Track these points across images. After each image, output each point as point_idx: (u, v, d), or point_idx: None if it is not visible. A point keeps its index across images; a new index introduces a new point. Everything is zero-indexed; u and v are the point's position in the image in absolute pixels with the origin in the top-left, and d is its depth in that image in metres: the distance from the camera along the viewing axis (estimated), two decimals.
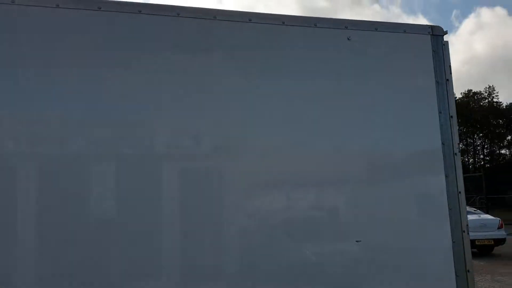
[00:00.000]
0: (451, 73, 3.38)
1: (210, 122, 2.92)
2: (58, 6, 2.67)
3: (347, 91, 3.22)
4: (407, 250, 3.19)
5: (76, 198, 2.68)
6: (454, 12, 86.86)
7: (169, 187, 2.85)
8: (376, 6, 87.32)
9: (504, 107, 54.11)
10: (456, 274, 3.19)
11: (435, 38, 3.39)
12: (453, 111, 3.35)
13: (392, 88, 3.29)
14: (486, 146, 54.37)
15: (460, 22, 79.76)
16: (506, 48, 77.04)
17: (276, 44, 3.15)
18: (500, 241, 13.54)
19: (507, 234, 14.31)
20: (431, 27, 3.41)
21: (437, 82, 3.35)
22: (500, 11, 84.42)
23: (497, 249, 13.70)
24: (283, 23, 3.11)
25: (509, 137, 54.90)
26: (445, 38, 3.42)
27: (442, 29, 3.41)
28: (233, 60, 3.05)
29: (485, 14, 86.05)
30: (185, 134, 2.91)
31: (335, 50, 3.23)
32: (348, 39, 3.21)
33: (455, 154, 3.31)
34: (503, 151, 55.37)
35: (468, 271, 3.22)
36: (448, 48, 3.41)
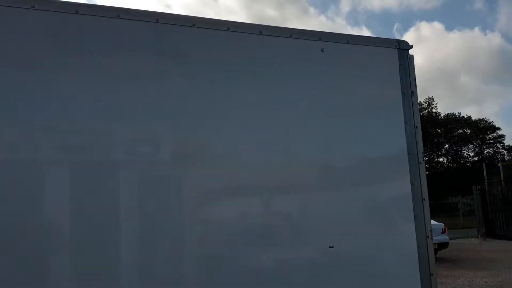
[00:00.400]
0: (416, 85, 3.53)
1: (169, 129, 2.89)
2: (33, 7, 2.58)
3: (318, 100, 3.29)
4: (374, 255, 3.28)
5: (29, 204, 2.57)
6: (396, 25, 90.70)
7: (125, 194, 2.79)
8: (323, 18, 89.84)
9: (442, 117, 57.02)
10: (421, 278, 3.32)
11: (402, 51, 3.55)
12: (417, 121, 3.50)
13: (362, 99, 3.40)
14: (425, 154, 56.90)
15: (401, 35, 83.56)
16: (444, 61, 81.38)
17: (252, 53, 3.18)
18: (443, 245, 14.17)
19: (449, 239, 15.05)
20: (398, 41, 3.56)
21: (403, 94, 3.49)
22: (438, 25, 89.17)
23: (440, 253, 14.32)
24: (260, 32, 3.15)
25: (446, 146, 57.84)
26: (411, 52, 3.59)
27: (408, 43, 3.57)
28: (205, 68, 3.04)
29: (424, 28, 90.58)
30: (143, 141, 2.86)
31: (309, 60, 3.30)
32: (322, 50, 3.30)
33: (420, 162, 3.46)
34: (441, 159, 58.23)
35: (432, 274, 3.36)
36: (413, 62, 3.57)
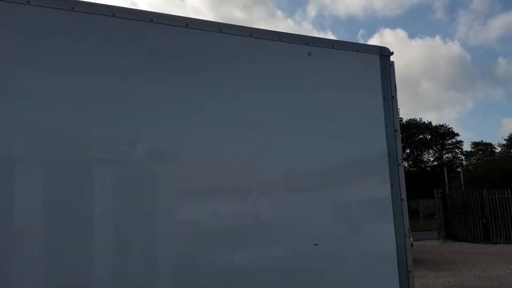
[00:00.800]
0: (396, 90, 3.68)
1: (145, 129, 2.88)
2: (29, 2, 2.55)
3: (303, 103, 3.37)
4: (355, 253, 3.38)
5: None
6: (361, 31, 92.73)
7: (99, 194, 2.75)
8: (290, 21, 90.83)
9: (404, 123, 58.44)
10: (399, 275, 3.46)
11: (383, 58, 3.68)
12: (397, 125, 3.64)
13: (345, 103, 3.51)
14: None
15: (365, 41, 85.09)
16: (406, 68, 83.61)
17: (241, 54, 3.24)
18: None
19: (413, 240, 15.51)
20: (380, 48, 3.70)
21: (384, 98, 3.63)
22: (401, 33, 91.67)
23: None
24: (251, 35, 3.22)
25: (408, 151, 59.37)
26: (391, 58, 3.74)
27: (389, 50, 3.72)
28: (195, 68, 3.07)
29: (388, 35, 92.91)
30: (118, 140, 2.84)
31: (295, 63, 3.39)
32: (309, 54, 3.39)
33: (399, 164, 3.59)
34: None
35: (409, 271, 3.50)
36: (394, 68, 3.71)
